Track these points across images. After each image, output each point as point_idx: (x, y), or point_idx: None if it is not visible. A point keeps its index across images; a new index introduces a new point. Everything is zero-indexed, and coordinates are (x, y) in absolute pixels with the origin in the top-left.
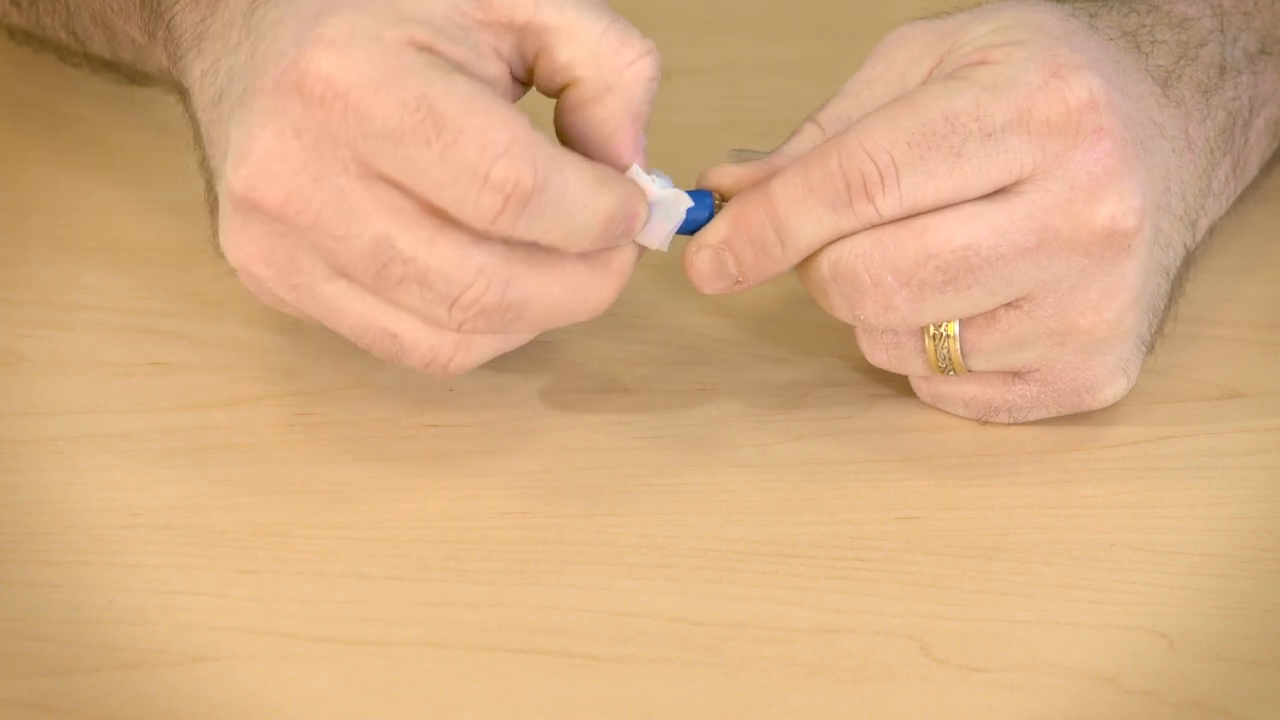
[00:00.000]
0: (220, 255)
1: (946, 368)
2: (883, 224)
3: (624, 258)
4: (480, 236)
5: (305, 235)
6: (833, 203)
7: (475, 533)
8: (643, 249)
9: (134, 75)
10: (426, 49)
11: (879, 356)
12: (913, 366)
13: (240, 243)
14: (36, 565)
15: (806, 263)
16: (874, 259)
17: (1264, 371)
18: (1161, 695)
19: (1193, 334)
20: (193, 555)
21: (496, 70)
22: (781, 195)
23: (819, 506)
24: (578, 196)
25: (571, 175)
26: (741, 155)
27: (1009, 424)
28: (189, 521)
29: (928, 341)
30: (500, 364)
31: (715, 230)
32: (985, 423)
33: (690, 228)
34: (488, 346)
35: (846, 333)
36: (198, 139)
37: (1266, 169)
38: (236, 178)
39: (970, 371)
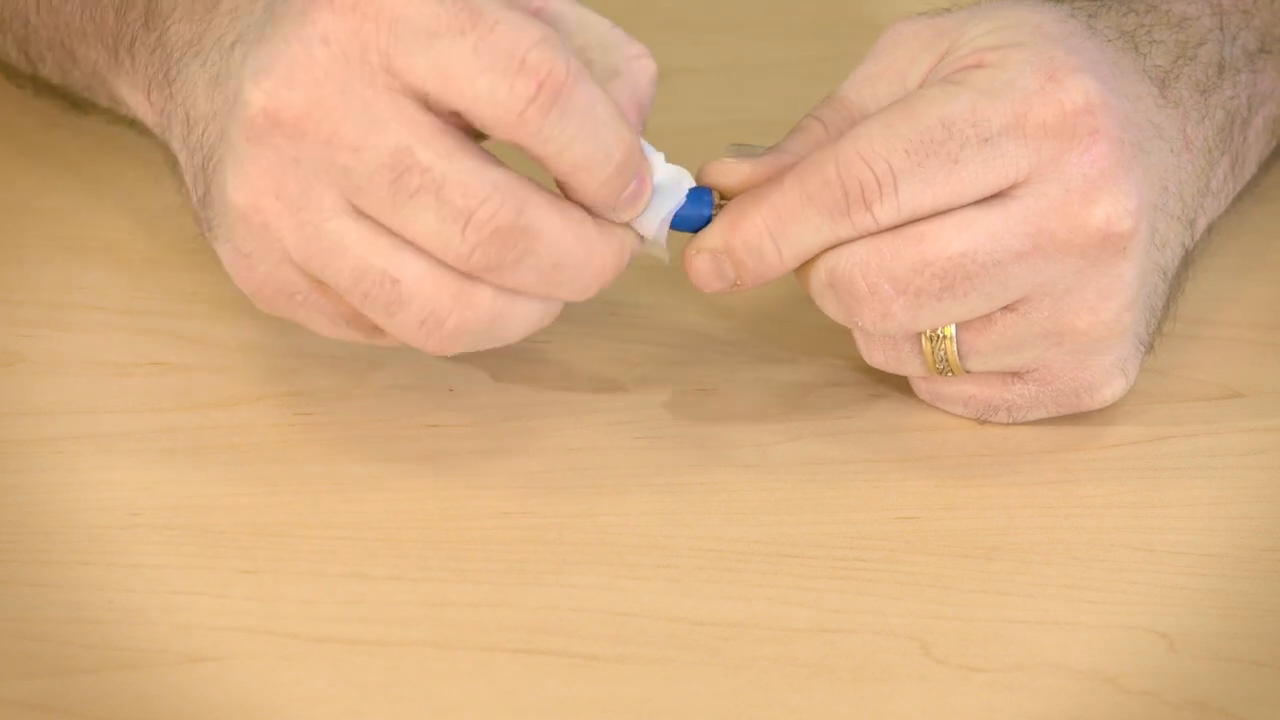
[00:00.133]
0: (210, 248)
1: (944, 369)
2: (880, 232)
3: (627, 235)
4: (499, 163)
5: (322, 153)
6: (830, 212)
7: (475, 533)
8: (641, 239)
9: (78, 103)
10: None
11: (876, 357)
12: (910, 368)
13: (251, 176)
14: (36, 565)
15: (804, 268)
16: (871, 267)
17: (1264, 371)
18: (1161, 695)
19: (1192, 334)
20: (193, 555)
21: None
22: (779, 203)
23: (819, 506)
24: (604, 112)
25: (599, 90)
26: (741, 150)
27: (1008, 424)
28: (189, 521)
29: (925, 343)
30: (500, 364)
31: (713, 236)
32: (985, 422)
33: (689, 225)
34: (484, 310)
35: (846, 333)
36: (177, 164)
37: (1265, 167)
38: (258, 91)
39: (968, 372)
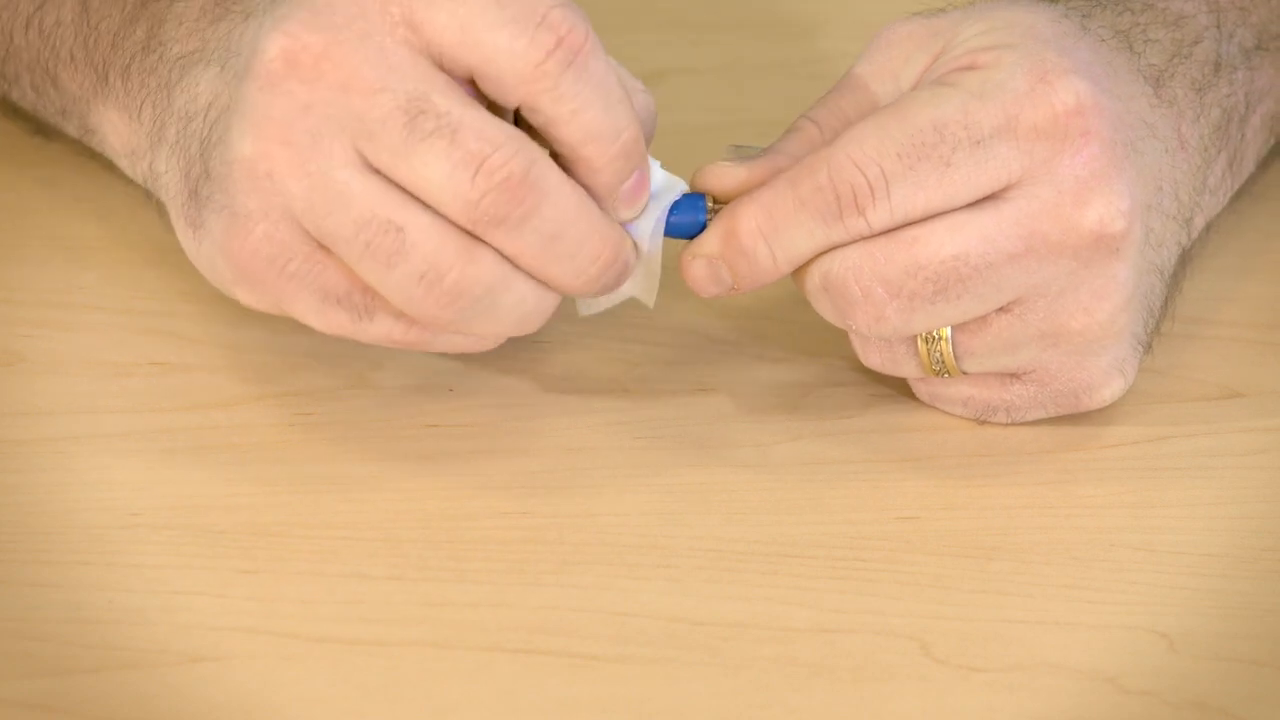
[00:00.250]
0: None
1: (940, 370)
2: (872, 236)
3: (624, 232)
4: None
5: (336, 97)
6: (823, 216)
7: (475, 533)
8: (637, 252)
9: (44, 128)
10: None
11: (873, 359)
12: (906, 369)
13: (260, 124)
14: (36, 565)
15: (800, 272)
16: (864, 271)
17: (1264, 371)
18: (1161, 695)
19: (1192, 334)
20: (193, 555)
21: None
22: (772, 208)
23: (819, 506)
24: (615, 87)
25: (611, 68)
26: (739, 151)
27: (1008, 424)
28: (189, 521)
29: (920, 345)
30: (500, 364)
31: (708, 242)
32: (984, 423)
33: (684, 231)
34: (485, 269)
35: (846, 333)
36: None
37: (1263, 165)
38: (278, 32)
39: (964, 374)
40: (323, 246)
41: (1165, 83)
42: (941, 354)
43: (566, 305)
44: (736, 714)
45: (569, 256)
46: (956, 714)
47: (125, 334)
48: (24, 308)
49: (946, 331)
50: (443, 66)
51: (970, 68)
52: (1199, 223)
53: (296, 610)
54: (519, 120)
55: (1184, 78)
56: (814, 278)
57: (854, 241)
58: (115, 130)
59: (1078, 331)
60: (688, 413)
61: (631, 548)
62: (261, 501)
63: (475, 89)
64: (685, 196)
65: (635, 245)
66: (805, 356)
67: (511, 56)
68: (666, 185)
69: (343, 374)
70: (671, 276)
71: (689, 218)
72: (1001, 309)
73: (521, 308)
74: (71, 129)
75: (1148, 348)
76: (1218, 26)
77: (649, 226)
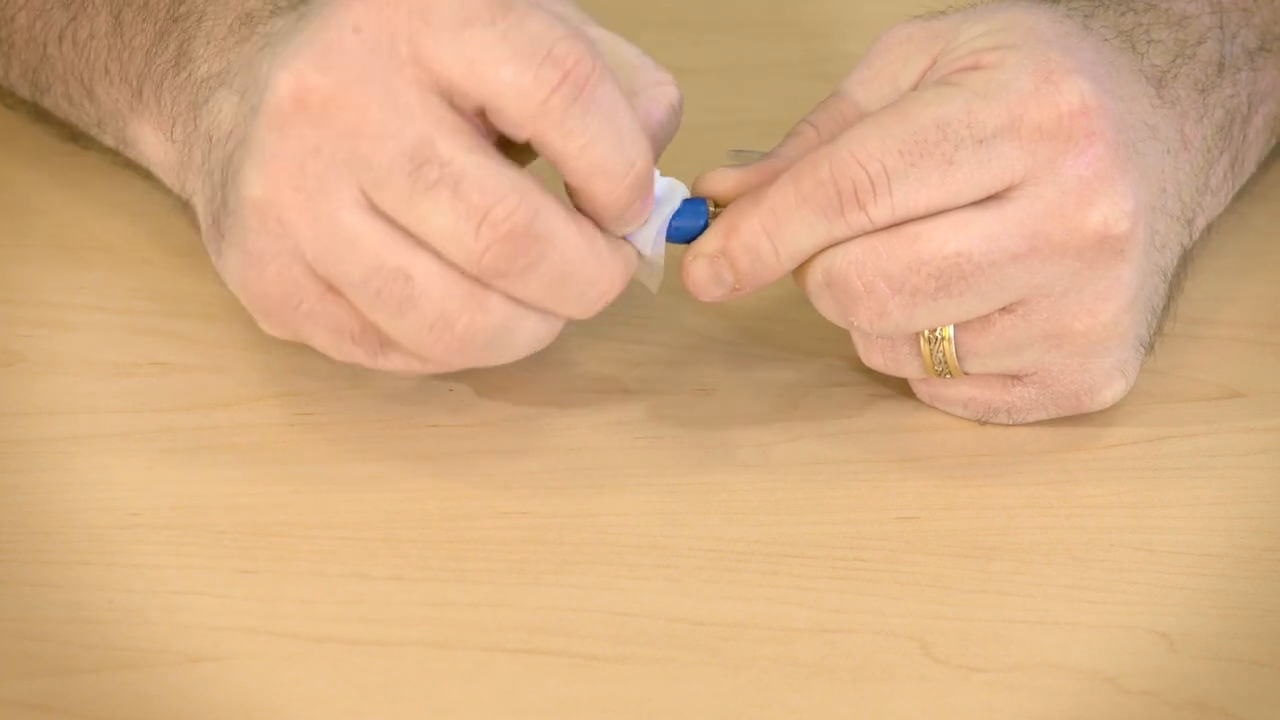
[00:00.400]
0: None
1: (943, 370)
2: (875, 231)
3: (630, 251)
4: (518, 168)
5: (343, 141)
6: (825, 211)
7: (475, 533)
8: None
9: (77, 136)
10: None
11: (875, 359)
12: (909, 369)
13: (270, 166)
14: (36, 565)
15: (802, 268)
16: (866, 266)
17: (1264, 371)
18: (1161, 695)
19: (1192, 334)
20: (193, 555)
21: None
22: (774, 204)
23: (819, 506)
24: (626, 117)
25: (623, 95)
26: (740, 156)
27: (1009, 425)
28: (189, 521)
29: (923, 345)
30: (500, 365)
31: (710, 240)
32: (985, 423)
33: (685, 235)
34: (494, 315)
35: (846, 333)
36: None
37: (1265, 165)
38: (287, 72)
39: (966, 374)
40: (334, 288)
41: (1168, 83)
42: (944, 354)
43: None
44: (736, 714)
45: (575, 296)
46: (956, 714)
47: (125, 334)
48: (24, 308)
49: (949, 331)
50: (453, 102)
51: (974, 68)
52: (1200, 223)
53: (296, 610)
54: None
55: (1187, 78)
56: (816, 274)
57: (857, 237)
58: (151, 145)
59: (1081, 333)
60: (688, 413)
61: (631, 548)
62: (261, 501)
63: (487, 122)
64: (687, 202)
65: (638, 252)
66: (805, 356)
67: (517, 93)
68: (667, 190)
69: (343, 374)
70: (672, 276)
71: (690, 222)
72: (1005, 309)
73: (533, 337)
74: (108, 139)
75: (1150, 349)
76: (1221, 27)
77: (651, 234)
